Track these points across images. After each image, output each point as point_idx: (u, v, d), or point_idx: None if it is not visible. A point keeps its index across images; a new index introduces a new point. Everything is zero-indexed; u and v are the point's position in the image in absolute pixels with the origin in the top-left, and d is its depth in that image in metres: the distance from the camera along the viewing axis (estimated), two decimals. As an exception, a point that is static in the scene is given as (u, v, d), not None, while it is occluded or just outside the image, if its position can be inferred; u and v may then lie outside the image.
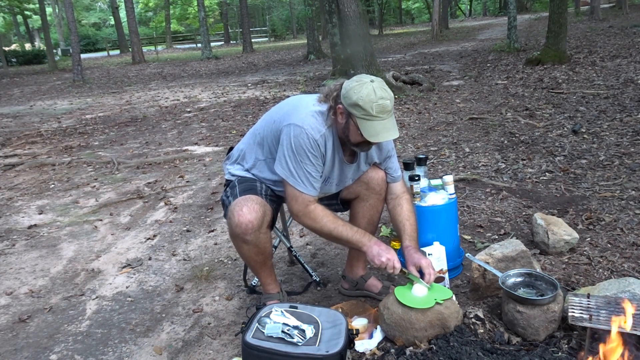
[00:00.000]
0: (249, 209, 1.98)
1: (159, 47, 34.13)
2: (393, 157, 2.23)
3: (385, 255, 1.97)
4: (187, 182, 4.65)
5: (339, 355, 1.68)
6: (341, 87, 1.95)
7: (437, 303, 1.93)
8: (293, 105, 2.07)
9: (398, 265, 1.98)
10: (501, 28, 19.58)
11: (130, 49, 26.19)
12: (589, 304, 1.85)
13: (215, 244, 3.25)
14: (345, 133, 1.95)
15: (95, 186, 4.74)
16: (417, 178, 2.46)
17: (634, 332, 1.69)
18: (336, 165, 2.08)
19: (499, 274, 2.09)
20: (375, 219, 2.30)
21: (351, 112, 1.88)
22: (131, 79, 16.06)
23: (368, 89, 1.85)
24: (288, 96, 2.23)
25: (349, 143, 1.98)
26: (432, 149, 4.91)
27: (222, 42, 37.10)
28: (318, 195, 2.21)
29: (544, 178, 3.78)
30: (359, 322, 2.09)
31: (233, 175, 2.24)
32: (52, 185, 4.86)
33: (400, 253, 2.65)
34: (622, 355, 1.66)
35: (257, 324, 1.79)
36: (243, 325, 1.82)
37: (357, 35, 9.24)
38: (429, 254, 2.26)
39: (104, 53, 33.21)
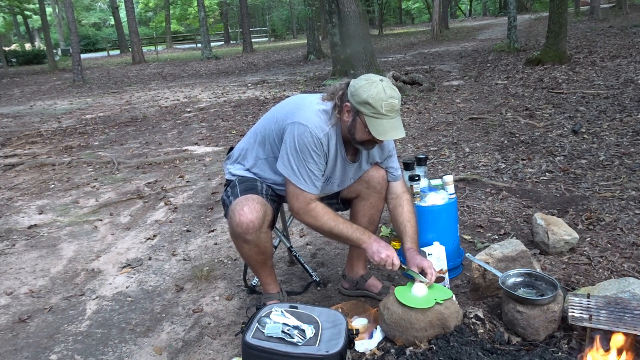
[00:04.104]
0: (250, 209, 1.98)
1: (159, 47, 34.12)
2: (394, 156, 2.24)
3: (384, 252, 1.98)
4: (187, 182, 4.65)
5: (339, 355, 1.68)
6: (347, 86, 1.96)
7: (437, 303, 1.93)
8: (296, 104, 2.07)
9: (397, 262, 1.99)
10: (501, 28, 19.58)
11: (130, 49, 26.19)
12: (589, 304, 1.85)
13: (215, 244, 3.25)
14: (351, 131, 1.96)
15: (95, 186, 4.74)
16: (417, 178, 2.46)
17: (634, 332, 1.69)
18: (338, 165, 2.08)
19: (499, 274, 2.09)
20: (375, 217, 2.30)
21: (360, 110, 1.89)
22: (131, 79, 16.06)
23: (378, 88, 1.86)
24: (288, 96, 2.24)
25: (354, 141, 1.98)
26: (432, 149, 4.91)
27: (222, 42, 37.10)
28: (319, 195, 2.22)
29: (544, 178, 3.78)
30: (359, 322, 2.09)
31: (233, 174, 2.24)
32: (52, 185, 4.86)
33: (401, 253, 2.66)
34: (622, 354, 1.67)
35: (257, 324, 1.79)
36: (243, 325, 1.82)
37: (357, 35, 9.24)
38: (429, 254, 2.26)
39: (104, 53, 33.21)
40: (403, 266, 2.04)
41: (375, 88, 1.86)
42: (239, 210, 1.99)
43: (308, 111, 1.99)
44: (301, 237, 3.22)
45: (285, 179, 2.02)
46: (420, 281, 2.02)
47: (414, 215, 2.20)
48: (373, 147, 2.05)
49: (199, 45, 26.81)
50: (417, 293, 1.98)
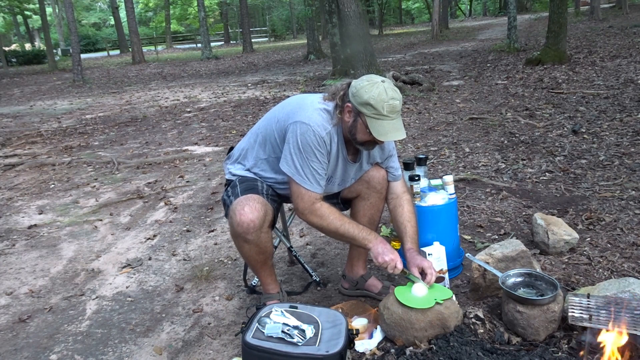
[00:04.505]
0: (251, 208, 1.98)
1: (159, 47, 34.13)
2: (394, 156, 2.24)
3: (388, 254, 1.98)
4: (187, 182, 4.65)
5: (339, 355, 1.68)
6: (348, 87, 1.96)
7: (437, 303, 1.93)
8: (298, 104, 2.07)
9: (400, 265, 1.99)
10: (501, 28, 19.58)
11: (130, 49, 26.18)
12: (589, 304, 1.85)
13: (215, 244, 3.25)
14: (352, 132, 1.96)
15: (95, 186, 4.74)
16: (417, 178, 2.46)
17: (634, 332, 1.69)
18: (340, 165, 2.09)
19: (499, 274, 2.09)
20: (376, 217, 2.30)
21: (361, 110, 1.89)
22: (131, 79, 16.06)
23: (380, 89, 1.87)
24: (288, 96, 2.26)
25: (355, 142, 1.99)
26: (432, 149, 4.91)
27: (222, 42, 37.11)
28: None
29: (544, 178, 3.78)
30: (359, 322, 2.09)
31: (234, 174, 2.24)
32: (52, 185, 4.86)
33: (401, 253, 2.65)
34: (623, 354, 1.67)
35: (257, 324, 1.79)
36: (243, 325, 1.82)
37: (357, 35, 9.25)
38: (429, 254, 2.26)
39: (104, 53, 33.21)
40: (405, 270, 2.05)
41: (376, 89, 1.86)
42: (239, 210, 1.99)
43: (310, 110, 1.99)
44: (301, 237, 3.22)
45: (288, 179, 2.02)
46: (405, 271, 2.02)
47: (414, 216, 2.20)
48: (374, 147, 2.05)
49: (199, 45, 26.81)
50: (417, 293, 1.98)
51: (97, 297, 2.68)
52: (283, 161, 2.00)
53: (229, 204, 2.08)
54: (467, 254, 2.34)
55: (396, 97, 1.88)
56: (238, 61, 19.96)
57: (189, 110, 8.82)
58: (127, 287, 2.77)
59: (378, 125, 1.87)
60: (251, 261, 2.16)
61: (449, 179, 2.50)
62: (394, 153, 2.24)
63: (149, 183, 4.71)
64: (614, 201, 3.20)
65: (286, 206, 2.72)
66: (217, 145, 5.99)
